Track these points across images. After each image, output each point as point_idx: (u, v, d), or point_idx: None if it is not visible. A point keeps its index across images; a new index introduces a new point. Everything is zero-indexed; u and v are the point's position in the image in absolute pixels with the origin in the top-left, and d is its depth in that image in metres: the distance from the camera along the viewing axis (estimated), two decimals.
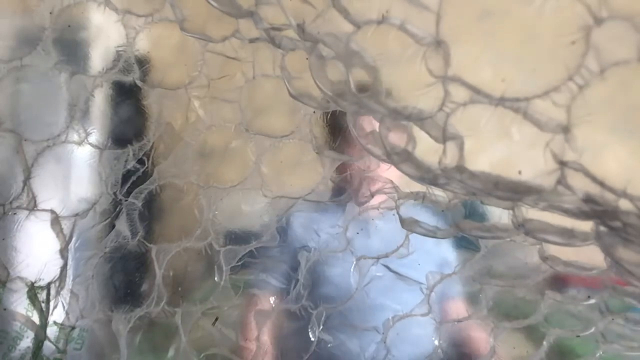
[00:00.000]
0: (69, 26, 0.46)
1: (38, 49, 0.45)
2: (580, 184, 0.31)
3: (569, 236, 0.36)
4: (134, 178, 0.49)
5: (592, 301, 0.46)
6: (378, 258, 0.53)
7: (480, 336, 0.51)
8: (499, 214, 0.40)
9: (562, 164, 0.31)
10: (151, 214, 0.51)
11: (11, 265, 0.47)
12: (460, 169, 0.34)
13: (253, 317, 0.53)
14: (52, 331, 0.49)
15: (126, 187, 0.49)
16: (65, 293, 0.49)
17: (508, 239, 0.42)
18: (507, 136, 0.33)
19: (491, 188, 0.34)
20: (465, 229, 0.41)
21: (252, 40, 0.43)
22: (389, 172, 0.48)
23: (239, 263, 0.52)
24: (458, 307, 0.52)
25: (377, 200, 0.51)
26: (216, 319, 0.52)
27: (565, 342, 0.50)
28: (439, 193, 0.42)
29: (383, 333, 0.53)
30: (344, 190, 0.52)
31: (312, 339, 0.53)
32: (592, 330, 0.47)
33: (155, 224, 0.51)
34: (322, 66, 0.36)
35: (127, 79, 0.48)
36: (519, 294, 0.50)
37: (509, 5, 0.32)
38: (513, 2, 0.32)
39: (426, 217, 0.47)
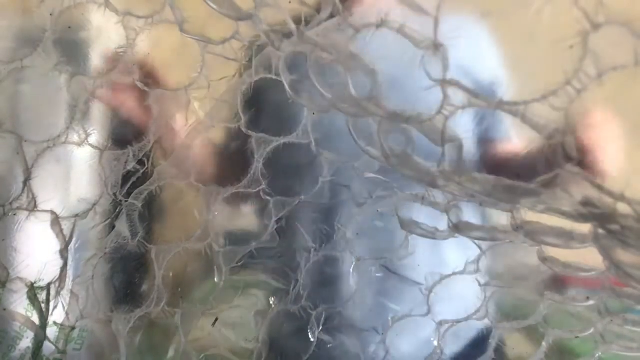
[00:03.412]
0: (70, 27, 0.46)
1: (38, 50, 0.45)
2: (579, 187, 0.31)
3: (568, 238, 0.36)
4: (134, 179, 0.49)
5: (591, 302, 0.46)
6: (378, 259, 0.53)
7: None
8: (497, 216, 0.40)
9: (561, 167, 0.31)
10: (151, 214, 0.51)
11: (11, 265, 0.47)
12: (460, 171, 0.34)
13: None
14: (52, 331, 0.49)
15: (126, 188, 0.49)
16: (65, 293, 0.49)
17: (507, 241, 0.42)
18: (505, 139, 0.34)
19: (490, 190, 0.34)
20: (464, 231, 0.41)
21: (251, 42, 0.44)
22: None
23: (239, 264, 0.52)
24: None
25: (376, 201, 0.51)
26: (216, 320, 0.53)
27: (565, 342, 0.50)
28: (438, 195, 0.42)
29: (383, 333, 0.53)
30: (344, 191, 0.52)
31: (312, 340, 0.53)
32: (591, 331, 0.47)
33: (155, 225, 0.51)
34: (321, 69, 0.36)
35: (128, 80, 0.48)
36: (518, 294, 0.51)
37: (507, 9, 0.32)
38: (511, 6, 0.32)
39: (425, 219, 0.47)
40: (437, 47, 0.31)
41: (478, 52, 0.36)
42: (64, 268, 0.48)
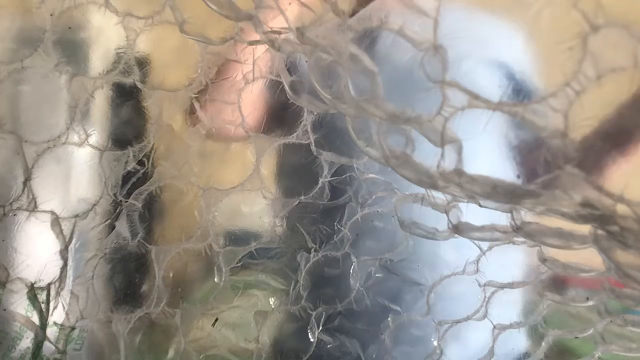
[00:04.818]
0: (70, 28, 0.46)
1: (38, 50, 0.45)
2: (578, 188, 0.31)
3: (568, 239, 0.36)
4: (134, 179, 0.49)
5: (590, 303, 0.46)
6: (377, 259, 0.53)
7: None
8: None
9: (560, 168, 0.31)
10: (151, 215, 0.51)
11: (11, 266, 0.47)
12: (459, 172, 0.34)
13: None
14: (51, 332, 0.49)
15: (126, 188, 0.49)
16: (65, 294, 0.49)
17: (507, 241, 0.42)
18: (505, 140, 0.34)
19: (489, 191, 0.34)
20: (464, 231, 0.41)
21: (251, 43, 0.44)
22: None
23: (239, 264, 0.52)
24: None
25: (376, 201, 0.51)
26: (216, 320, 0.53)
27: (564, 342, 0.50)
28: (437, 195, 0.42)
29: (383, 333, 0.53)
30: (344, 192, 0.52)
31: (312, 340, 0.53)
32: (591, 331, 0.47)
33: (155, 225, 0.51)
34: (321, 70, 0.36)
35: (127, 80, 0.48)
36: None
37: (506, 10, 0.32)
38: (511, 8, 0.32)
39: (425, 219, 0.47)
40: (436, 48, 0.31)
41: (478, 54, 0.36)
42: (64, 268, 0.48)
